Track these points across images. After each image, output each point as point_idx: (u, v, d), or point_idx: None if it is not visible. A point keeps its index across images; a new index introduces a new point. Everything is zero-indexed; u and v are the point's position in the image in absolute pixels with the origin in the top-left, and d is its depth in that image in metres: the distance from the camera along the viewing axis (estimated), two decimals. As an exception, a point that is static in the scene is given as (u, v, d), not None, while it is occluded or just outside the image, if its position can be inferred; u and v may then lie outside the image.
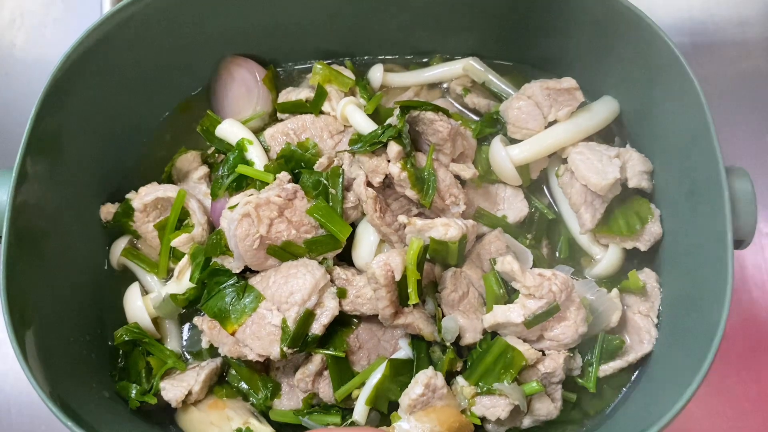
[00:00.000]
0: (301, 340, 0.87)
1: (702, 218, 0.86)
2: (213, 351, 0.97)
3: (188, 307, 0.98)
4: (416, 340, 0.90)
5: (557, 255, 1.01)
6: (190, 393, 0.93)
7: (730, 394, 1.10)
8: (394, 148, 0.89)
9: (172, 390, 0.93)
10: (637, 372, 0.94)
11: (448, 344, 0.89)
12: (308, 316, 0.87)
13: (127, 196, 1.02)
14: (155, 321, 0.99)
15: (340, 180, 0.92)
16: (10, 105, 1.30)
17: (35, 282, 0.88)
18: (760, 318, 1.15)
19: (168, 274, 1.02)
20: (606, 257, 0.98)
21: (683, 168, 0.92)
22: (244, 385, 0.96)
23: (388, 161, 0.91)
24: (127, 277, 1.03)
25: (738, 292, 1.15)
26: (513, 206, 1.00)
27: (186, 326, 1.02)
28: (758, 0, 1.33)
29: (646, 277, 0.97)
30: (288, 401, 0.93)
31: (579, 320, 0.88)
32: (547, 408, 0.89)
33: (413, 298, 0.84)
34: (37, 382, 0.79)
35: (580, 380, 0.93)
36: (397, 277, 0.85)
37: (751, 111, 1.27)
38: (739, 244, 0.84)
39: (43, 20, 1.38)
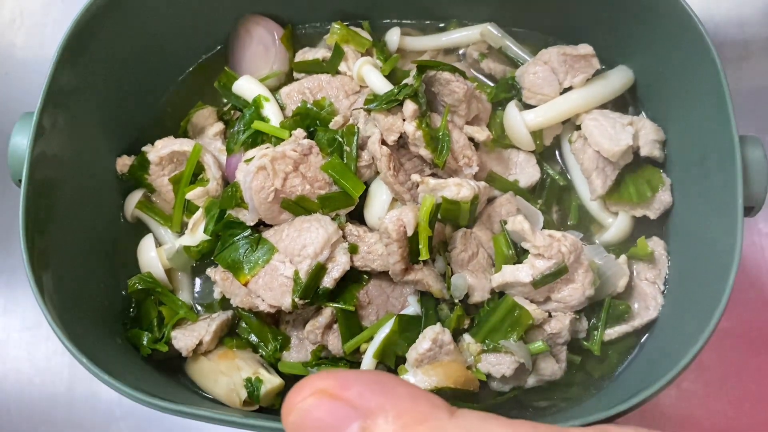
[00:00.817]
0: (312, 292, 0.88)
1: (713, 185, 0.87)
2: (224, 303, 0.98)
3: (201, 260, 0.99)
4: (425, 297, 0.92)
5: (568, 222, 1.02)
6: (200, 343, 0.95)
7: (730, 394, 1.10)
8: (410, 106, 0.90)
9: (183, 339, 0.95)
10: (642, 338, 0.95)
11: (456, 301, 0.90)
12: (320, 269, 0.88)
13: (143, 149, 1.03)
14: (168, 273, 1.01)
15: (355, 138, 0.93)
16: (11, 105, 1.29)
17: (52, 227, 0.90)
18: (760, 318, 1.15)
19: (181, 229, 1.03)
20: (615, 224, 0.99)
21: (696, 137, 0.92)
22: (254, 338, 0.97)
23: (404, 120, 0.92)
24: (141, 230, 1.04)
25: (738, 292, 1.15)
26: (525, 171, 1.01)
27: (198, 280, 1.04)
28: (758, 0, 1.32)
29: (655, 244, 0.98)
30: (297, 354, 0.95)
31: (586, 283, 0.89)
32: (551, 368, 0.90)
33: (424, 254, 0.85)
34: (53, 320, 0.80)
35: (585, 343, 0.94)
36: (409, 233, 0.86)
37: (751, 111, 1.26)
38: (749, 210, 0.85)
39: (43, 20, 1.38)
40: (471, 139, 0.96)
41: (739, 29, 1.30)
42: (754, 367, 1.13)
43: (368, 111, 0.93)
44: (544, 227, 0.96)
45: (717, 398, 1.10)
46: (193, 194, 0.99)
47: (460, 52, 1.10)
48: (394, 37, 1.09)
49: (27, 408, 1.16)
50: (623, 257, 0.96)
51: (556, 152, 1.04)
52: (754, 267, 1.17)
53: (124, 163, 1.04)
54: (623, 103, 1.04)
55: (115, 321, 0.98)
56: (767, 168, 0.84)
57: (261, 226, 0.94)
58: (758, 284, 1.16)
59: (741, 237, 0.79)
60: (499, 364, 0.88)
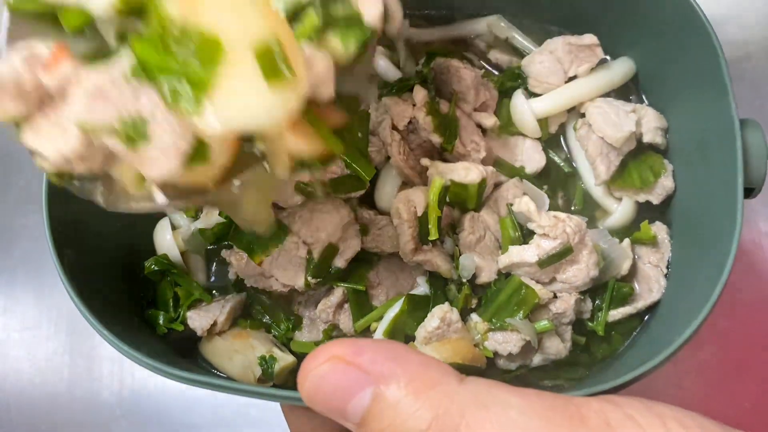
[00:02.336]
0: (324, 272, 0.91)
1: (713, 168, 0.90)
2: (238, 286, 1.01)
3: (215, 243, 1.02)
4: (433, 277, 0.94)
5: (572, 207, 1.04)
6: (215, 323, 0.97)
7: (730, 394, 1.11)
8: (420, 92, 0.93)
9: (199, 319, 0.97)
10: (645, 319, 0.98)
11: (464, 281, 0.93)
12: (332, 250, 0.91)
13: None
14: (183, 257, 1.03)
15: (367, 123, 0.96)
16: None
17: (73, 209, 0.92)
18: (760, 318, 1.16)
19: (196, 213, 1.06)
20: (619, 209, 1.02)
21: (697, 123, 0.95)
22: (267, 318, 1.00)
23: (414, 106, 0.95)
24: (157, 214, 1.07)
25: (738, 292, 1.17)
26: (531, 158, 1.03)
27: (213, 264, 1.06)
28: (758, 0, 1.34)
29: (657, 229, 1.00)
30: (309, 333, 0.98)
31: (591, 264, 0.92)
32: (556, 347, 0.93)
33: (433, 234, 0.88)
34: (75, 295, 0.83)
35: (590, 323, 0.96)
36: (419, 213, 0.88)
37: (751, 111, 1.28)
38: (749, 192, 0.87)
39: None
40: (479, 126, 0.99)
41: (739, 29, 1.32)
42: (754, 367, 1.14)
43: (380, 97, 0.96)
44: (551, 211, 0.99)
45: (717, 398, 1.12)
46: None
47: (470, 40, 1.13)
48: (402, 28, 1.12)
49: (27, 408, 1.17)
50: (627, 241, 0.98)
51: (561, 140, 1.07)
52: (754, 267, 1.19)
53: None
54: (627, 91, 1.07)
55: (133, 301, 1.01)
56: (767, 150, 0.86)
57: (275, 207, 0.97)
58: (758, 284, 1.18)
59: (741, 217, 0.81)
60: (505, 342, 0.90)
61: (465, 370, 0.87)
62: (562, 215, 0.90)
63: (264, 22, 0.56)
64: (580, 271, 0.92)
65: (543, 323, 0.91)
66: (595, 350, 0.97)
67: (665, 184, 0.99)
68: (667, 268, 0.98)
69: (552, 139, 1.06)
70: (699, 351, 1.15)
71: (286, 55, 0.55)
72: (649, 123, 1.00)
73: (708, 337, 1.14)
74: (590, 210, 1.04)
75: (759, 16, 1.33)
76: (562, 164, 1.05)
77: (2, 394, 1.17)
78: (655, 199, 1.00)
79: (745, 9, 1.33)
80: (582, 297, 0.94)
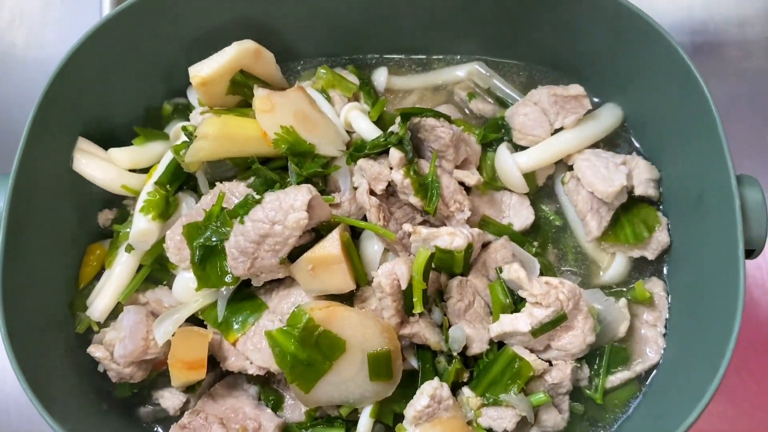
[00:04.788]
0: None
1: (711, 227, 0.85)
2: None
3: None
4: (421, 350, 0.89)
5: (562, 266, 0.99)
6: (188, 401, 0.92)
7: (730, 394, 1.09)
8: (396, 155, 0.88)
9: (171, 398, 0.92)
10: (645, 383, 0.93)
11: (455, 354, 0.87)
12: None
13: (124, 202, 1.01)
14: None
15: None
16: (10, 104, 1.29)
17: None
18: (760, 318, 1.14)
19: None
20: (613, 266, 0.97)
21: (691, 176, 0.91)
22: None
23: (391, 169, 0.90)
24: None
25: None
26: (519, 214, 0.98)
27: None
28: (758, 0, 1.32)
29: (653, 285, 0.96)
30: (290, 414, 0.92)
31: (587, 330, 0.87)
32: (554, 419, 0.88)
33: (418, 308, 0.83)
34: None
35: (587, 391, 0.91)
36: (403, 287, 0.83)
37: (751, 111, 1.26)
38: (750, 253, 0.83)
39: (43, 20, 1.37)
40: (461, 183, 0.94)
41: (739, 29, 1.30)
42: (754, 367, 1.12)
43: (355, 161, 0.91)
44: (541, 270, 0.94)
45: (717, 399, 1.07)
46: None
47: (451, 88, 1.08)
48: (381, 77, 1.07)
49: (27, 408, 1.09)
50: (623, 301, 0.93)
51: (549, 193, 1.02)
52: (754, 267, 1.16)
53: (106, 217, 1.01)
54: (616, 138, 1.03)
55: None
56: (766, 210, 0.82)
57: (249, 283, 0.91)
58: (758, 284, 1.16)
59: (743, 283, 0.77)
60: (500, 419, 0.85)
61: (458, 452, 0.83)
62: (555, 281, 0.85)
63: (381, 337, 0.82)
64: (575, 338, 0.87)
65: (539, 396, 0.86)
66: (594, 418, 0.93)
67: (660, 238, 0.95)
68: (665, 327, 0.94)
69: (540, 191, 1.02)
70: None
71: (390, 363, 0.82)
72: (641, 175, 0.96)
73: None
74: (584, 264, 1.00)
75: (759, 16, 1.31)
76: (552, 217, 1.00)
77: (2, 394, 1.15)
78: (651, 254, 0.96)
79: (745, 9, 1.31)
80: (578, 365, 0.89)
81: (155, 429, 0.95)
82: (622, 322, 0.91)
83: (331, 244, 0.84)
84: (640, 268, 0.98)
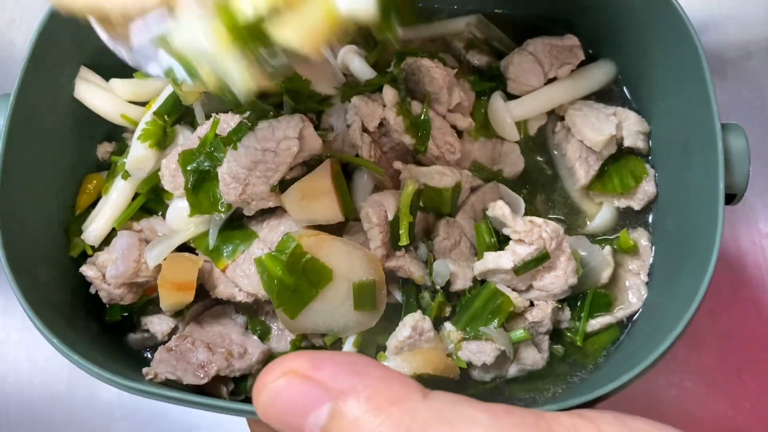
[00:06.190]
0: (291, 278, 0.87)
1: (695, 174, 0.87)
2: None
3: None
4: (406, 285, 0.91)
5: (551, 213, 1.01)
6: (176, 327, 0.94)
7: (730, 394, 1.09)
8: (389, 92, 0.90)
9: (159, 323, 0.94)
10: (626, 329, 0.95)
11: (438, 288, 0.89)
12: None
13: (124, 135, 1.02)
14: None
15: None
16: None
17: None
18: (760, 318, 1.14)
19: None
20: (599, 215, 0.98)
21: (680, 127, 0.92)
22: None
23: (384, 107, 0.91)
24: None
25: (738, 292, 1.15)
26: (509, 161, 1.00)
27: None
28: (758, 0, 1.33)
29: (639, 235, 0.97)
30: (277, 344, 0.93)
31: (569, 271, 0.88)
32: (533, 357, 0.89)
33: (404, 239, 0.85)
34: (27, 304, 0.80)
35: (568, 333, 0.93)
36: (390, 218, 0.85)
37: (751, 111, 1.26)
38: (731, 198, 0.84)
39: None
40: (453, 127, 0.96)
41: (739, 29, 1.30)
42: (754, 367, 1.12)
43: (349, 99, 0.92)
44: (526, 211, 0.96)
45: (717, 398, 1.10)
46: None
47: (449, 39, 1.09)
48: (379, 27, 1.08)
49: (27, 408, 1.15)
50: (608, 248, 0.95)
51: (541, 143, 1.04)
52: (754, 267, 1.16)
53: (105, 149, 1.03)
54: (609, 95, 1.04)
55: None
56: (748, 156, 0.83)
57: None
58: (759, 284, 1.16)
59: (722, 223, 0.78)
60: (480, 352, 0.87)
61: (437, 381, 0.85)
62: (539, 220, 0.87)
63: (368, 268, 0.83)
64: (557, 278, 0.88)
65: (519, 333, 0.87)
66: (574, 360, 0.94)
67: (647, 189, 0.96)
68: (648, 275, 0.95)
69: (532, 141, 1.03)
70: (699, 351, 1.13)
71: (375, 294, 0.84)
72: (631, 127, 0.97)
73: (708, 337, 1.13)
74: (571, 214, 1.01)
75: (759, 16, 1.31)
76: (544, 167, 1.02)
77: (2, 394, 1.16)
78: (637, 204, 0.97)
79: (745, 9, 1.32)
80: (560, 306, 0.91)
81: (144, 354, 0.97)
82: (606, 268, 0.93)
83: (322, 174, 0.86)
84: (627, 218, 0.99)
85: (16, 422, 1.14)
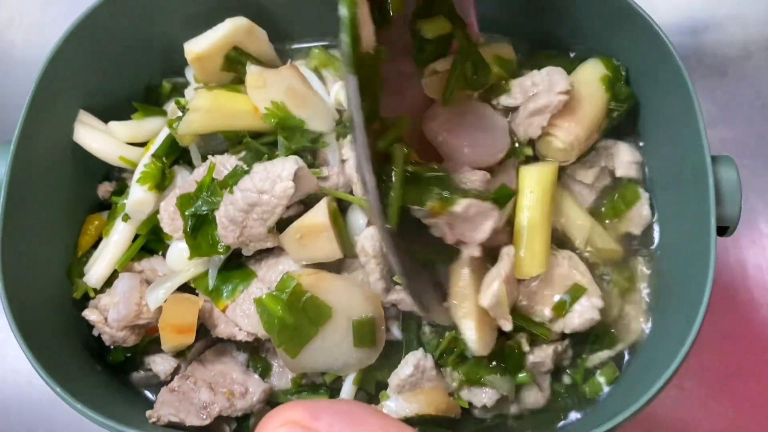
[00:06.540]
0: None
1: (689, 206, 0.87)
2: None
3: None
4: (407, 320, 0.91)
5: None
6: (179, 367, 0.95)
7: (730, 394, 1.09)
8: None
9: (162, 363, 0.95)
10: (626, 361, 0.95)
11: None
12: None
13: (124, 175, 1.04)
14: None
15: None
16: (9, 104, 1.25)
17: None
18: (760, 318, 1.14)
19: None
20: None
21: (672, 157, 0.93)
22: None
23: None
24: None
25: (738, 292, 1.15)
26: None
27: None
28: (758, 0, 1.33)
29: (637, 264, 0.98)
30: (278, 381, 0.94)
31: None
32: (534, 397, 0.90)
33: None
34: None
35: (569, 371, 0.94)
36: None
37: (751, 111, 1.27)
38: (724, 230, 0.85)
39: (43, 20, 1.38)
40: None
41: (739, 29, 1.30)
42: (754, 367, 1.12)
43: (344, 136, 0.93)
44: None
45: (717, 399, 1.09)
46: None
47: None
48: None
49: (27, 408, 1.15)
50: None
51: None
52: (754, 267, 1.16)
53: (105, 189, 1.04)
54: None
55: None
56: (740, 188, 0.84)
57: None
58: (759, 284, 1.16)
59: (713, 259, 0.79)
60: (481, 395, 0.87)
61: (439, 420, 0.86)
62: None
63: (367, 305, 0.86)
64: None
65: (521, 375, 0.88)
66: (575, 396, 0.94)
67: (642, 212, 0.97)
68: (647, 306, 0.95)
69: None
70: (699, 352, 1.13)
71: (374, 331, 0.86)
72: (622, 157, 0.98)
73: (708, 338, 1.12)
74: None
75: (759, 16, 1.32)
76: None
77: (2, 394, 1.16)
78: (636, 229, 0.97)
79: (745, 9, 1.32)
80: (561, 345, 0.91)
81: (146, 393, 0.98)
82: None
83: (319, 213, 0.86)
84: (628, 246, 0.99)
85: (16, 422, 1.14)
